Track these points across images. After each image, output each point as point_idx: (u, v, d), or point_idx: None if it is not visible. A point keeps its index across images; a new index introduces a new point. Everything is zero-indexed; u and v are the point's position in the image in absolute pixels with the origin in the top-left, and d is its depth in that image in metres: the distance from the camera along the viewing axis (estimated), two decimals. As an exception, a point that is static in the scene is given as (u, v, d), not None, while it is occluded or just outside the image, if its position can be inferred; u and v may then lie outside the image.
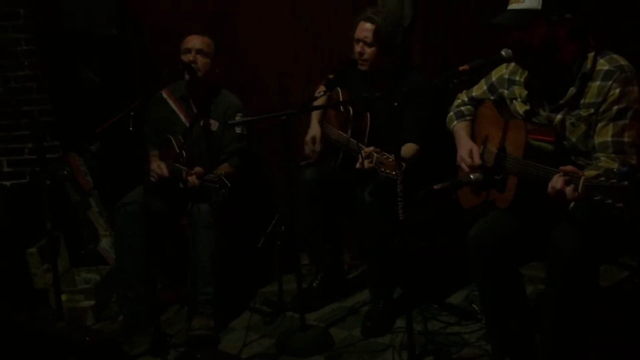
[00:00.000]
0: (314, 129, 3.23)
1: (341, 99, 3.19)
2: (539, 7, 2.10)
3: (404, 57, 3.19)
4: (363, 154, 2.64)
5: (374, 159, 2.64)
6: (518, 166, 2.19)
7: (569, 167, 1.93)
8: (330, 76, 3.09)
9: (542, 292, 2.85)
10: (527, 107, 2.33)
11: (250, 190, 3.53)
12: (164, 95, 3.33)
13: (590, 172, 1.96)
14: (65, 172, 3.69)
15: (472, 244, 2.31)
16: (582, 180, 1.84)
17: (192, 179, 2.97)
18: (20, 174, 4.06)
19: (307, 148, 3.21)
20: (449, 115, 2.68)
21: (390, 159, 2.50)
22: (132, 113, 2.68)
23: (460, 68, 2.20)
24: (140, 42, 3.84)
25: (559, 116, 2.23)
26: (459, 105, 2.67)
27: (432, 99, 3.01)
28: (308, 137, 3.21)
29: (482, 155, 2.42)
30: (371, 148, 2.69)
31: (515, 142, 2.25)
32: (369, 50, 3.04)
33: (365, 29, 3.04)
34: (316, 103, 3.17)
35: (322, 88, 3.22)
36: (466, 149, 2.45)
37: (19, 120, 3.99)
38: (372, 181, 2.94)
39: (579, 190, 1.84)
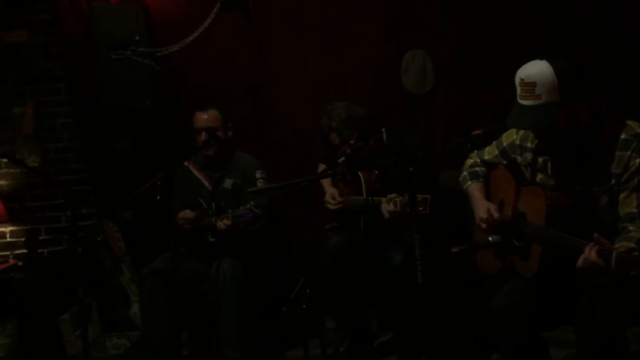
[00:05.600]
0: (330, 190, 3.32)
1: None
2: (558, 99, 2.07)
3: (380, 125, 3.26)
4: (386, 200, 2.76)
5: (398, 203, 2.70)
6: (541, 234, 2.16)
7: (600, 238, 1.89)
8: (344, 156, 3.15)
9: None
10: (544, 176, 2.31)
11: (275, 253, 3.57)
12: (187, 165, 3.47)
13: (622, 244, 1.93)
14: (99, 239, 3.80)
15: (495, 315, 2.26)
16: (614, 255, 1.82)
17: (223, 222, 3.04)
18: (57, 241, 4.20)
19: (330, 205, 3.27)
20: (462, 175, 2.66)
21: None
22: (158, 182, 2.79)
23: (474, 133, 2.23)
24: (174, 113, 4.00)
25: (578, 186, 2.20)
26: (472, 166, 2.64)
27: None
28: (327, 197, 3.29)
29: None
30: (392, 195, 2.75)
31: (535, 209, 2.23)
32: (351, 144, 3.11)
33: (333, 138, 3.17)
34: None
35: (322, 166, 3.37)
36: (484, 209, 2.43)
37: (57, 189, 4.16)
38: (401, 244, 3.01)
39: (612, 265, 1.82)
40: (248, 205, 2.93)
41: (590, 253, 1.89)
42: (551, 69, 2.06)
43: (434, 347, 2.53)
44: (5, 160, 4.15)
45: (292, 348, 3.50)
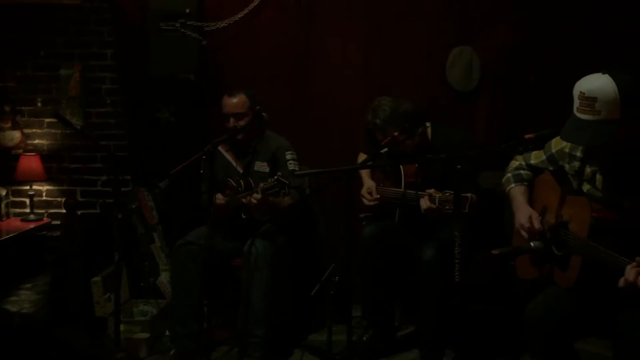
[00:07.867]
0: (368, 183, 3.32)
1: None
2: (618, 117, 2.01)
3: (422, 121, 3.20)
4: (425, 197, 2.77)
5: (437, 200, 2.70)
6: (582, 247, 2.13)
7: None
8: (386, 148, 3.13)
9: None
10: (591, 187, 2.27)
11: (307, 238, 3.60)
12: (219, 147, 3.43)
13: None
14: (134, 206, 3.86)
15: (529, 322, 2.23)
16: None
17: (253, 197, 3.03)
18: (91, 204, 4.27)
19: (365, 200, 3.28)
20: (505, 177, 2.62)
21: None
22: (203, 157, 2.81)
23: (526, 136, 2.21)
24: (217, 89, 4.01)
25: (627, 202, 2.15)
26: (517, 168, 2.59)
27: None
28: (364, 191, 3.30)
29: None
30: (431, 190, 2.76)
31: (579, 220, 2.19)
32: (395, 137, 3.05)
33: (377, 135, 3.12)
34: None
35: (363, 156, 3.35)
36: (525, 215, 2.39)
37: (96, 153, 4.23)
38: (434, 240, 3.01)
39: None
40: (275, 177, 2.92)
41: (630, 274, 1.86)
42: (614, 86, 1.99)
43: (459, 344, 2.54)
44: (48, 120, 4.23)
45: (315, 332, 3.54)
